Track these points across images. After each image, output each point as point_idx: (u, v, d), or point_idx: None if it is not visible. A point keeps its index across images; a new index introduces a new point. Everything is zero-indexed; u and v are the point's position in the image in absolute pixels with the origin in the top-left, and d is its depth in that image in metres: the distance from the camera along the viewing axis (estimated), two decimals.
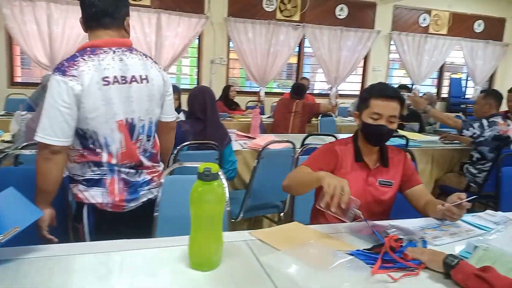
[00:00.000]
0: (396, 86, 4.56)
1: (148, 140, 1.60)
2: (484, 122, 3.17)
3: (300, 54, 6.79)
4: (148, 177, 1.62)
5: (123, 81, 1.46)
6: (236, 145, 3.09)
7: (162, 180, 1.68)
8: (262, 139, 3.08)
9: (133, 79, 1.49)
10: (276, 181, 2.59)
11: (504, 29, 7.45)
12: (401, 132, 3.79)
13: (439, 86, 7.78)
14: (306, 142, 2.85)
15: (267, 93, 6.51)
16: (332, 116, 4.84)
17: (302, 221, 1.95)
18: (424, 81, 7.23)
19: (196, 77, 6.27)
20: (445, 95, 7.67)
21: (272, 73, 6.30)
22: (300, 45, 6.60)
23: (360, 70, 7.11)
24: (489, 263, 1.16)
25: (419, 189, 1.73)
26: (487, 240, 1.29)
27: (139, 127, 1.54)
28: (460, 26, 7.13)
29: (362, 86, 6.97)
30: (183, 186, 1.40)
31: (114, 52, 1.46)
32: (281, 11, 6.14)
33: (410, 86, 7.12)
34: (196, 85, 6.16)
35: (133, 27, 5.19)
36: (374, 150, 1.71)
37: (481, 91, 3.60)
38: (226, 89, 5.48)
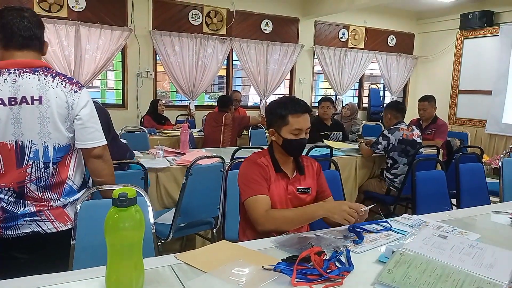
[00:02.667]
0: (321, 97, 4.77)
1: (46, 168, 1.47)
2: (385, 131, 3.48)
3: (229, 67, 6.84)
4: (33, 209, 1.48)
5: (12, 103, 1.39)
6: (164, 162, 3.00)
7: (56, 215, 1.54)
8: (191, 155, 3.03)
9: (23, 101, 1.41)
10: (206, 198, 2.58)
11: (413, 44, 8.18)
12: (326, 142, 3.95)
13: (360, 96, 8.29)
14: (236, 155, 2.84)
15: (197, 107, 6.46)
16: (262, 128, 4.92)
17: (234, 235, 1.95)
18: (346, 92, 7.65)
19: (121, 90, 6.02)
20: (366, 105, 8.18)
21: (202, 86, 6.26)
22: (229, 58, 6.66)
23: (287, 82, 7.34)
24: (405, 266, 1.23)
25: (329, 200, 1.85)
26: (403, 244, 1.37)
27: (31, 151, 1.44)
28: (375, 40, 7.70)
29: None
30: (101, 211, 1.31)
31: (9, 73, 1.40)
32: (208, 25, 6.15)
33: (333, 96, 7.52)
34: (121, 99, 5.95)
35: (49, 40, 4.85)
36: (290, 160, 1.80)
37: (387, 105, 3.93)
38: (154, 103, 5.33)
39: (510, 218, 1.87)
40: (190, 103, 6.25)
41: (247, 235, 1.74)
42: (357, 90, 8.30)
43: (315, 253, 1.28)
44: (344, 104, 6.06)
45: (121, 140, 2.66)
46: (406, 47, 8.11)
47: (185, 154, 3.19)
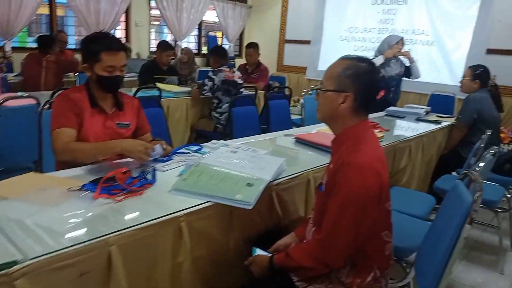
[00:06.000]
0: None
1: None
2: (210, 73, 3.81)
3: (52, 4, 6.09)
4: None
5: None
6: None
7: None
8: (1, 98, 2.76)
9: None
10: (22, 141, 2.45)
11: None
12: (159, 85, 4.05)
13: (199, 42, 8.46)
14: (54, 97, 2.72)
15: (17, 49, 5.64)
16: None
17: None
18: (186, 38, 7.71)
19: None
20: (205, 51, 8.43)
21: (18, 25, 5.45)
22: None
23: (122, 25, 6.97)
24: (197, 174, 1.51)
25: (148, 136, 2.00)
26: (200, 159, 1.65)
27: None
28: None
29: (127, 40, 6.89)
30: None
31: None
32: None
33: (173, 42, 7.50)
34: None
35: None
36: (109, 96, 1.85)
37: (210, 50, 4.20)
38: None
39: (294, 138, 2.38)
40: (5, 43, 5.42)
41: (62, 168, 1.78)
42: (197, 37, 8.43)
43: (120, 172, 1.46)
44: (181, 49, 6.15)
45: None
46: None
47: None
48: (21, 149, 2.46)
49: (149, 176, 1.55)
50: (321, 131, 2.39)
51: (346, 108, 1.30)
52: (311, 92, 4.10)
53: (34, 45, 6.39)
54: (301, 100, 3.62)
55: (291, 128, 3.51)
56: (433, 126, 3.12)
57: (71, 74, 4.38)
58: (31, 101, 2.44)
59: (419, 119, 3.35)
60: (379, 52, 3.77)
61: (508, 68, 5.19)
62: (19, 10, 5.38)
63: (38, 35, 6.10)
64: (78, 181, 1.42)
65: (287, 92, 4.35)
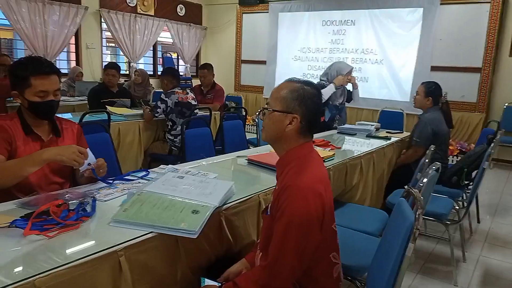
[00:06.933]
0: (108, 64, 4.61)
1: None
2: (162, 96, 3.76)
3: None
4: None
5: None
6: None
7: None
8: None
9: None
10: None
11: (202, 15, 8.67)
12: (110, 108, 3.92)
13: (154, 63, 8.37)
14: None
15: None
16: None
17: None
18: (140, 59, 7.60)
19: None
20: (160, 72, 8.34)
21: None
22: None
23: (73, 47, 6.77)
24: (139, 204, 1.44)
25: None
26: (145, 187, 1.58)
27: None
28: (165, 8, 7.82)
29: (77, 63, 6.68)
30: None
31: None
32: None
33: (127, 63, 7.37)
34: None
35: None
36: (44, 122, 1.76)
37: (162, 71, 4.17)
38: None
39: (246, 160, 2.35)
40: None
41: None
42: (152, 58, 8.34)
43: (55, 205, 1.36)
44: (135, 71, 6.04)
45: None
46: (196, 17, 8.53)
47: None
48: None
49: (88, 208, 1.46)
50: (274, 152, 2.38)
51: (292, 129, 1.31)
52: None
53: None
54: (256, 120, 3.62)
55: (247, 148, 3.50)
56: (383, 142, 3.21)
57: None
58: None
59: (369, 136, 3.44)
60: (327, 77, 3.79)
61: (450, 84, 5.50)
62: None
63: None
64: (8, 217, 1.31)
65: (243, 112, 4.35)
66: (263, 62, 7.96)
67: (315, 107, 1.33)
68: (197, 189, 1.61)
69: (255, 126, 3.85)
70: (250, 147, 3.64)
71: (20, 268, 1.04)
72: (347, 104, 4.06)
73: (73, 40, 6.63)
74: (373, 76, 6.72)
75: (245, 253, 1.56)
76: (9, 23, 5.76)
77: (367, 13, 6.63)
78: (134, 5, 7.23)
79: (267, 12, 7.74)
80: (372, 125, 3.66)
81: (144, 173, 1.95)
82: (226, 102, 5.02)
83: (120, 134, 3.58)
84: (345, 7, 6.85)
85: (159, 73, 8.31)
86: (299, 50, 7.51)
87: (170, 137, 3.78)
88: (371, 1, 6.56)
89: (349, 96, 4.02)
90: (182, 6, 8.17)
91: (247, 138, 3.80)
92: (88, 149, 1.66)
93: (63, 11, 6.14)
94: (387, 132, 3.64)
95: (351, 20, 6.86)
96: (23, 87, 1.65)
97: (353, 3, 6.74)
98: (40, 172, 1.67)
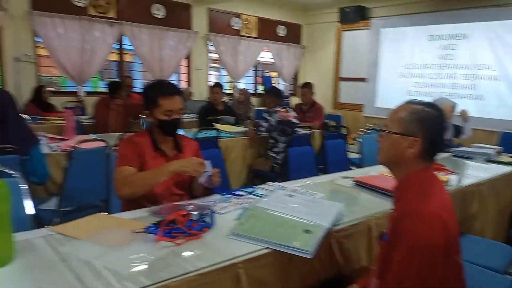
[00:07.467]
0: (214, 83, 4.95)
1: None
2: (265, 114, 3.86)
3: (121, 51, 6.67)
4: None
5: None
6: (46, 149, 2.93)
7: None
8: (73, 140, 3.00)
9: None
10: (92, 181, 2.61)
11: (301, 34, 8.84)
12: (217, 125, 4.18)
13: (255, 83, 8.73)
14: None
15: (90, 93, 6.17)
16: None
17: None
18: (242, 79, 8.00)
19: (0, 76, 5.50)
20: (261, 91, 8.65)
21: (91, 71, 6.00)
22: (121, 42, 6.49)
23: (185, 69, 7.41)
24: (254, 219, 1.51)
25: None
26: (258, 203, 1.64)
27: None
28: (266, 30, 8.15)
29: (189, 84, 7.28)
30: None
31: None
32: (94, 7, 5.90)
33: (230, 83, 7.81)
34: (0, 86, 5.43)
35: None
36: (169, 139, 1.96)
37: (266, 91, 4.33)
38: (38, 90, 5.00)
39: (352, 181, 2.30)
40: (79, 88, 5.97)
41: (127, 209, 1.86)
42: (253, 77, 8.71)
43: (180, 215, 1.49)
44: (238, 90, 6.37)
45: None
46: (295, 37, 8.73)
47: (68, 140, 3.14)
48: (90, 188, 2.62)
49: (207, 219, 1.56)
50: (383, 173, 2.29)
51: (413, 153, 1.25)
52: (370, 131, 4.00)
53: (105, 89, 6.97)
54: (360, 139, 3.53)
55: (349, 168, 3.43)
56: (506, 168, 2.87)
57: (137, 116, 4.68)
58: (101, 143, 2.62)
59: (489, 160, 3.11)
60: None
61: None
62: (92, 57, 5.93)
63: (108, 80, 6.65)
64: (141, 223, 1.47)
65: (343, 131, 4.29)
66: (363, 80, 7.77)
67: (438, 129, 1.27)
68: (307, 208, 1.62)
69: (357, 146, 3.75)
70: (351, 167, 3.56)
71: (156, 271, 1.15)
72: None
73: (183, 62, 7.25)
74: (489, 93, 6.11)
75: (356, 277, 1.52)
76: (132, 48, 6.55)
77: (482, 25, 6.10)
78: (238, 28, 7.67)
79: (368, 28, 7.58)
80: (492, 148, 3.31)
81: (251, 189, 2.04)
82: (326, 121, 4.99)
83: (227, 150, 3.78)
84: (456, 21, 6.39)
85: (259, 91, 8.63)
86: (403, 67, 7.18)
87: (272, 154, 3.88)
88: (487, 13, 6.02)
89: (458, 131, 3.78)
90: (283, 27, 8.42)
91: (349, 157, 3.72)
92: (207, 161, 1.80)
93: (177, 36, 6.77)
94: (510, 157, 3.25)
95: (462, 34, 6.37)
96: (153, 107, 1.86)
97: (465, 16, 6.26)
98: (165, 184, 1.85)
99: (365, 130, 3.93)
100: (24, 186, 1.64)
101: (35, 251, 1.26)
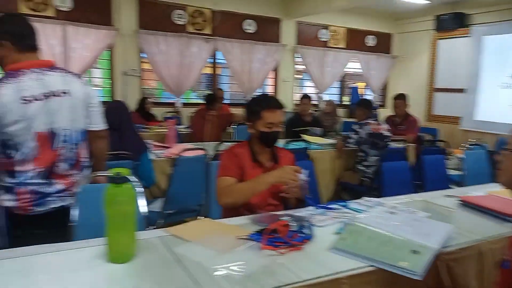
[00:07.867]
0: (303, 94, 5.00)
1: (73, 149, 1.76)
2: (355, 126, 3.76)
3: (214, 65, 7.06)
4: (61, 186, 1.73)
5: (43, 97, 1.64)
6: (152, 155, 3.21)
7: (77, 189, 1.78)
8: (176, 148, 3.23)
9: (53, 94, 1.67)
10: (192, 186, 2.80)
11: (392, 43, 8.50)
12: (306, 137, 4.20)
13: (341, 94, 8.59)
14: (219, 148, 3.07)
15: (184, 104, 6.63)
16: (246, 125, 5.12)
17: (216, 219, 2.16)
18: (328, 90, 7.93)
19: (110, 88, 6.18)
20: (347, 102, 8.48)
21: (187, 84, 6.45)
22: (214, 56, 6.88)
23: (272, 81, 7.58)
24: (356, 235, 1.48)
25: None
26: (357, 219, 1.61)
27: (62, 135, 1.71)
28: (355, 40, 7.99)
29: (275, 95, 7.43)
30: (98, 194, 1.52)
31: (33, 72, 1.64)
32: (192, 25, 6.34)
33: (315, 94, 7.79)
34: (110, 97, 6.10)
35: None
36: (267, 151, 2.03)
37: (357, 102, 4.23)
38: (142, 101, 5.52)
39: (457, 200, 2.14)
40: (176, 100, 6.43)
41: (227, 214, 1.96)
42: (339, 88, 8.58)
43: (281, 225, 1.53)
44: (325, 101, 6.33)
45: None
46: (385, 46, 8.42)
47: (171, 148, 3.40)
48: (190, 193, 2.80)
49: (306, 231, 1.58)
50: (492, 194, 2.10)
51: None
52: (473, 146, 3.69)
53: (197, 100, 7.41)
54: (461, 155, 3.28)
55: (448, 185, 3.19)
56: None
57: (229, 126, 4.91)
58: (201, 152, 2.79)
59: None
60: None
61: None
62: (189, 71, 6.36)
63: (202, 92, 7.07)
64: (245, 230, 1.53)
65: (441, 145, 4.01)
66: (460, 90, 7.20)
67: None
68: (412, 227, 1.55)
69: (457, 162, 3.48)
70: (450, 186, 3.30)
71: (264, 278, 1.19)
72: None
73: (270, 74, 7.42)
74: None
75: None
76: (223, 61, 6.89)
77: None
78: (326, 39, 7.65)
79: (468, 36, 7.03)
80: None
81: (343, 203, 2.00)
82: (420, 134, 4.72)
83: (315, 162, 3.76)
84: None
85: (346, 103, 8.47)
86: (509, 77, 6.51)
87: (361, 167, 3.78)
88: None
89: None
90: (373, 36, 8.19)
91: (448, 174, 3.47)
92: (303, 170, 1.82)
93: (266, 49, 6.97)
94: None
95: None
96: (256, 119, 1.95)
97: None
98: (261, 194, 1.92)
99: (468, 146, 3.63)
100: (140, 189, 1.81)
101: (153, 250, 1.38)
